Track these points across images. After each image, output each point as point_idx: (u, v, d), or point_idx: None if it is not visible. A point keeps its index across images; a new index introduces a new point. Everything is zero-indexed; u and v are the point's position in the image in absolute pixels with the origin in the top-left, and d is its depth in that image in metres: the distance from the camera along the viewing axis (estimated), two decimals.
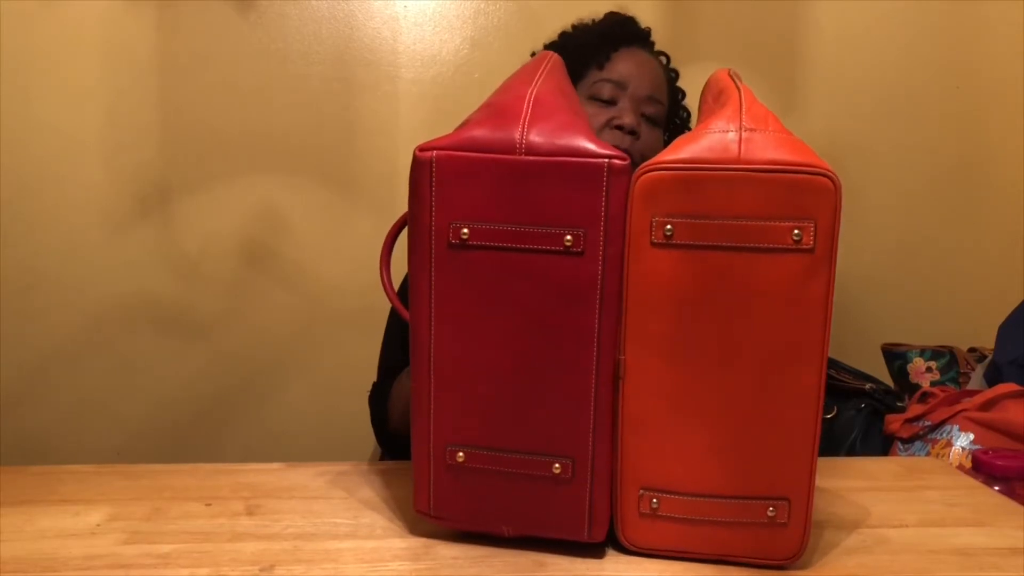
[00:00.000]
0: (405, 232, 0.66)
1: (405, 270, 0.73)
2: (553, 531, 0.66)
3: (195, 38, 1.49)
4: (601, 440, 0.63)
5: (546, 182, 0.60)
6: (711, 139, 0.60)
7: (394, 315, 1.11)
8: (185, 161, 1.51)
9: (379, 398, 1.07)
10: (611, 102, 1.10)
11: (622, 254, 0.61)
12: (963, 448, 1.07)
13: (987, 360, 1.32)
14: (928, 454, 1.11)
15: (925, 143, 1.62)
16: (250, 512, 0.73)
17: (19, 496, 0.76)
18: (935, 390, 1.20)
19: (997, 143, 1.63)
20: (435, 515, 0.67)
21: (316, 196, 1.54)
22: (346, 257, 1.54)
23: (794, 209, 0.58)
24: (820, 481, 0.76)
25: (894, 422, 1.20)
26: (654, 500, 0.64)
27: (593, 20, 1.20)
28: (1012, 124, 1.63)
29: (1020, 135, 1.63)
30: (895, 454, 1.18)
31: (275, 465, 0.85)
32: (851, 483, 0.83)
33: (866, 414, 1.30)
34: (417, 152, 0.62)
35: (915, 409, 1.18)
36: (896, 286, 1.65)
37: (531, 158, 0.60)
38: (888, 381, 1.44)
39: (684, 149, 0.60)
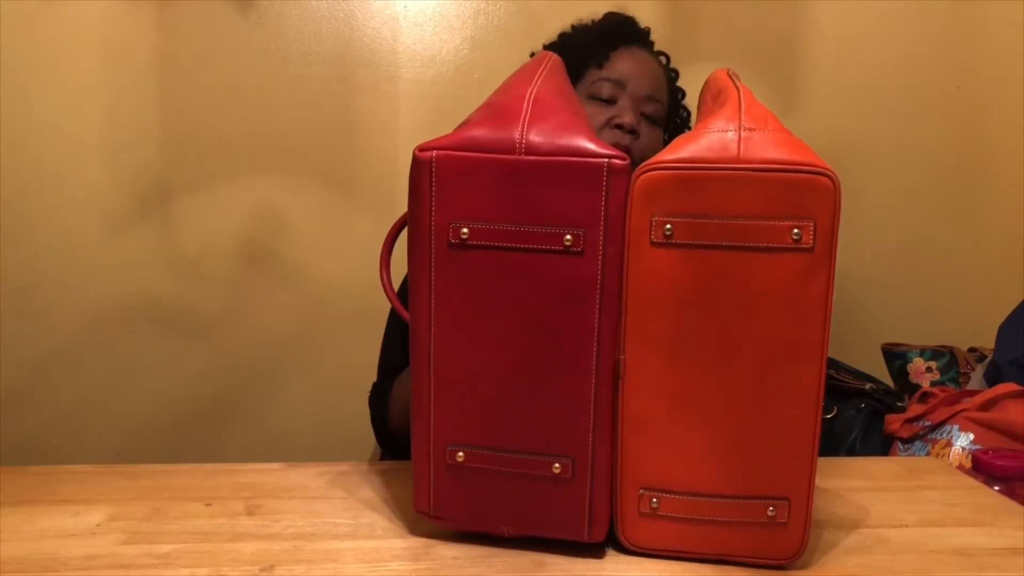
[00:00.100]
0: (405, 232, 0.66)
1: (405, 270, 0.73)
2: (553, 531, 0.66)
3: (195, 38, 1.49)
4: (601, 440, 0.63)
5: (546, 182, 0.60)
6: (710, 138, 0.60)
7: (394, 315, 1.11)
8: (185, 161, 1.51)
9: (379, 398, 1.07)
10: (610, 101, 1.10)
11: (622, 254, 0.61)
12: (963, 448, 1.07)
13: (987, 360, 1.32)
14: (928, 454, 1.11)
15: (925, 143, 1.62)
16: (250, 512, 0.73)
17: (19, 496, 0.76)
18: (935, 390, 1.20)
19: (997, 143, 1.63)
20: (435, 515, 0.67)
21: (316, 196, 1.54)
22: (346, 257, 1.55)
23: (794, 208, 0.58)
24: (820, 481, 0.76)
25: (894, 422, 1.20)
26: (654, 500, 0.64)
27: (592, 20, 1.19)
28: (1012, 124, 1.63)
29: (1020, 135, 1.63)
30: (895, 454, 1.18)
31: (275, 465, 0.85)
32: (851, 483, 0.83)
33: (866, 414, 1.30)
34: (417, 152, 0.62)
35: (915, 409, 1.18)
36: (896, 286, 1.64)
37: (531, 158, 0.60)
38: (888, 381, 1.44)
39: (684, 149, 0.60)
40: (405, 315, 0.68)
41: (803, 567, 0.65)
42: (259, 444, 1.57)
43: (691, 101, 1.19)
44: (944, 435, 1.11)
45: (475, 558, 0.65)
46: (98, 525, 0.70)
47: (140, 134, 1.50)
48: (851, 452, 1.28)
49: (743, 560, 0.64)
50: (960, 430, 1.09)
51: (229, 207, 1.52)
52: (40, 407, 1.52)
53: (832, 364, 1.36)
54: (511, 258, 0.61)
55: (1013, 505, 0.78)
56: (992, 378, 1.24)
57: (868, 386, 1.34)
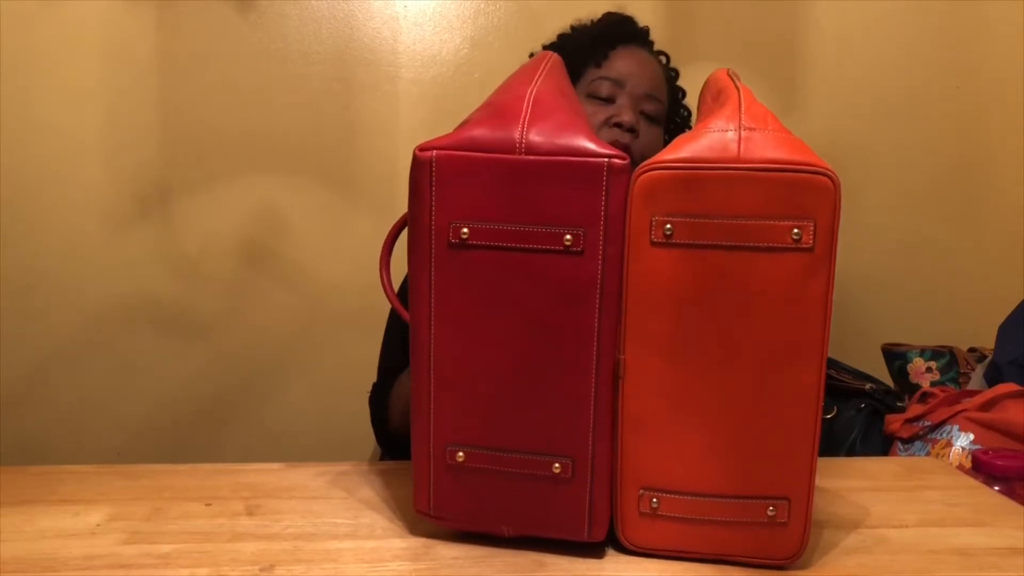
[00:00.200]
0: (405, 232, 0.66)
1: (405, 270, 0.73)
2: (553, 531, 0.66)
3: (195, 38, 1.49)
4: (601, 440, 0.63)
5: (546, 182, 0.60)
6: (710, 138, 0.60)
7: (394, 315, 1.11)
8: (185, 161, 1.51)
9: (379, 398, 1.07)
10: (609, 100, 1.10)
11: (622, 253, 0.61)
12: (963, 448, 1.07)
13: (987, 360, 1.32)
14: (928, 454, 1.11)
15: (925, 143, 1.62)
16: (250, 512, 0.73)
17: (19, 496, 0.76)
18: (935, 390, 1.20)
19: (997, 143, 1.63)
20: (435, 515, 0.67)
21: (316, 196, 1.54)
22: (346, 257, 1.55)
23: (793, 208, 0.58)
24: (820, 481, 0.76)
25: (894, 422, 1.20)
26: (654, 500, 0.64)
27: (591, 20, 1.20)
28: (1012, 124, 1.63)
29: (1020, 135, 1.63)
30: (895, 454, 1.18)
31: (275, 465, 0.85)
32: (851, 483, 0.83)
33: (866, 414, 1.30)
34: (417, 152, 0.62)
35: (915, 409, 1.18)
36: (896, 286, 1.64)
37: (531, 158, 0.60)
38: (888, 381, 1.44)
39: (684, 148, 0.60)
40: (405, 315, 0.68)
41: (803, 567, 0.65)
42: (259, 444, 1.57)
43: (691, 101, 1.19)
44: (944, 435, 1.11)
45: (475, 558, 0.65)
46: (98, 525, 0.70)
47: (140, 134, 1.50)
48: (851, 452, 1.28)
49: (743, 560, 0.64)
50: (960, 430, 1.09)
51: (229, 207, 1.52)
52: (40, 407, 1.52)
53: (832, 364, 1.36)
54: (511, 258, 0.61)
55: (1013, 505, 0.78)
56: (992, 378, 1.24)
57: (868, 386, 1.34)
